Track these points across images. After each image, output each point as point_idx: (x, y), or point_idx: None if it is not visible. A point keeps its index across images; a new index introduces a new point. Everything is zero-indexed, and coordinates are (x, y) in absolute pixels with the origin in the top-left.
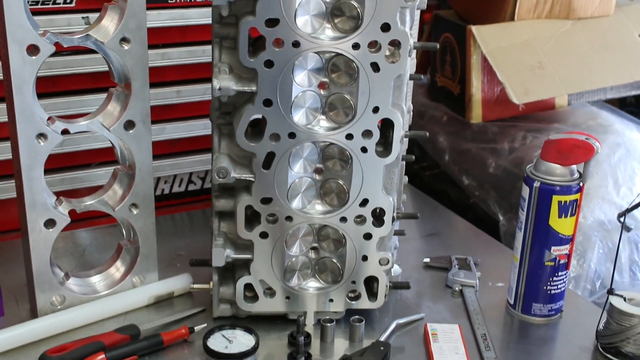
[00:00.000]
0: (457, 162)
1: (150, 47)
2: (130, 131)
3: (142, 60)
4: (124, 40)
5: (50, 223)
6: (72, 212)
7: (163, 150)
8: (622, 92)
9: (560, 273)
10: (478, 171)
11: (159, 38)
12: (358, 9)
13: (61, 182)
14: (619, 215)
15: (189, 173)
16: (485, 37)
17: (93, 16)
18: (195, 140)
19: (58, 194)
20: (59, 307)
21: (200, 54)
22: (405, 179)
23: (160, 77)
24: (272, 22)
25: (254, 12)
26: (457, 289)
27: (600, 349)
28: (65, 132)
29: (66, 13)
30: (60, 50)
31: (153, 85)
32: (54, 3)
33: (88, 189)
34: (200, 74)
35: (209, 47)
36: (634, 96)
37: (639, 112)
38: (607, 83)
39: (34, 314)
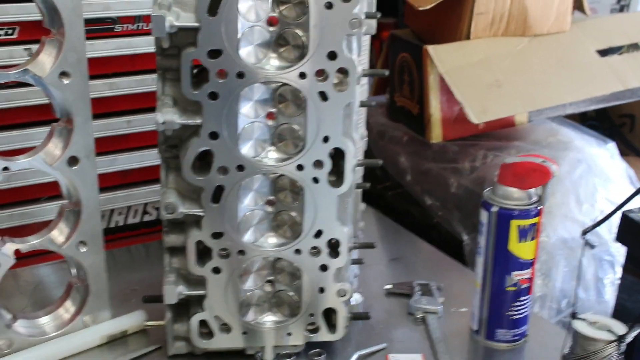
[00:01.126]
0: (419, 182)
1: (98, 77)
2: (74, 167)
3: (83, 94)
4: (63, 74)
5: None
6: (19, 251)
7: (115, 181)
8: (582, 107)
9: (522, 298)
10: (440, 191)
11: (107, 67)
12: (303, 38)
13: (9, 218)
14: (583, 233)
15: (143, 204)
16: (442, 56)
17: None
18: (148, 170)
19: (5, 232)
20: (5, 351)
21: (150, 82)
22: (363, 205)
23: (109, 108)
24: (215, 53)
25: (195, 43)
26: (419, 316)
27: None
28: (6, 169)
29: (7, 45)
30: None
31: (102, 115)
32: None
33: (40, 224)
34: (151, 103)
35: None
36: (595, 110)
37: (599, 126)
38: (565, 100)
39: None
